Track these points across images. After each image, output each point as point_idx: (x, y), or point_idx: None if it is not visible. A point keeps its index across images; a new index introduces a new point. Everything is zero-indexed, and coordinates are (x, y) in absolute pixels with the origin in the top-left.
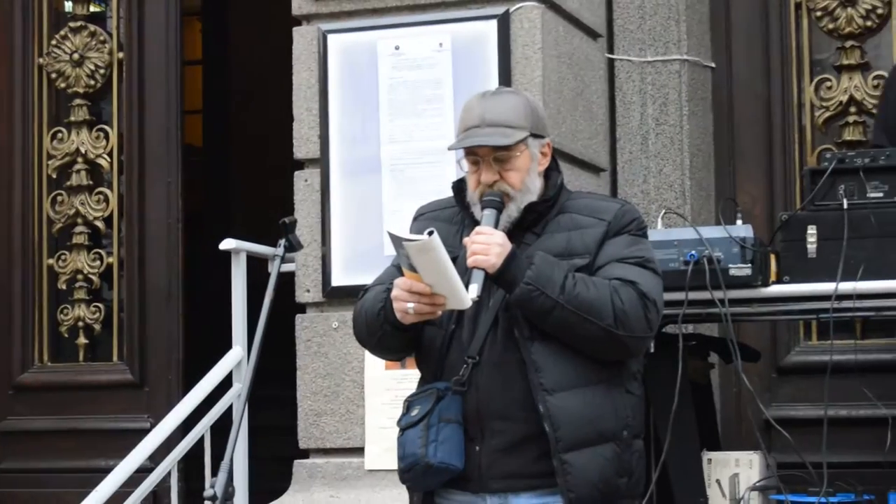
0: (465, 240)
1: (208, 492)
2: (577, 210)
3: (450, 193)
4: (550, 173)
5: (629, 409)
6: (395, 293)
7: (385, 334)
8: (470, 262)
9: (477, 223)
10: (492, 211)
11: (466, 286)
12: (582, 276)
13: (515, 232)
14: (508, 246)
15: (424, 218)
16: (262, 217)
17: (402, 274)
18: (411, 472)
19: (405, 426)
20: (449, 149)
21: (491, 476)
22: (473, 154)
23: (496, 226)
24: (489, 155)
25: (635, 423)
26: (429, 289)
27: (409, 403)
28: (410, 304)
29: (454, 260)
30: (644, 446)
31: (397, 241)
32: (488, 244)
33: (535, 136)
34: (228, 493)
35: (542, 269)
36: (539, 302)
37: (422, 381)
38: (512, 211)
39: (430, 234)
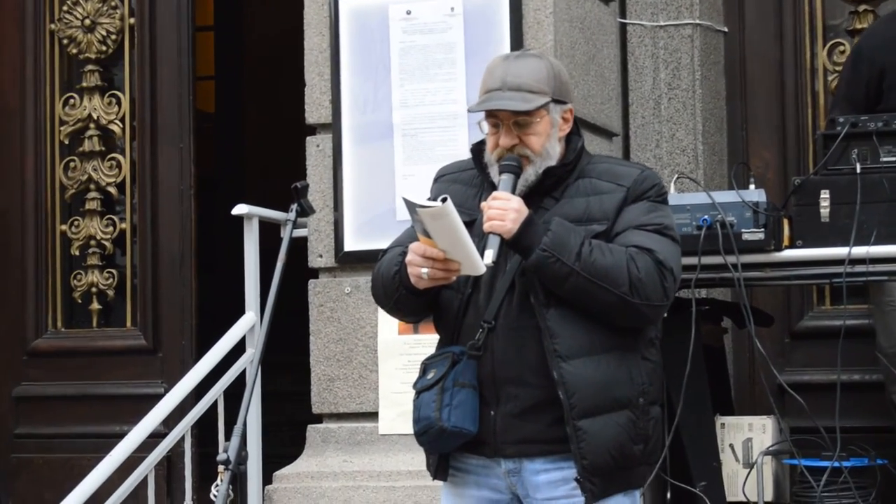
0: (482, 204)
1: (221, 456)
2: (596, 175)
3: (468, 156)
4: (571, 137)
5: (645, 376)
6: (409, 258)
7: (401, 297)
8: (486, 226)
9: (495, 187)
10: (509, 176)
11: (483, 250)
12: (599, 242)
13: (535, 196)
14: (525, 211)
15: (444, 180)
16: (274, 183)
17: None
18: (426, 435)
19: (420, 389)
20: (469, 111)
21: (505, 441)
22: (493, 116)
23: (513, 191)
24: (509, 119)
25: (652, 389)
26: (443, 254)
27: (426, 366)
28: (424, 270)
29: (472, 223)
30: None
31: (411, 206)
32: (505, 209)
33: (557, 101)
34: (241, 457)
35: (558, 235)
36: (555, 268)
37: (440, 344)
38: (529, 174)
39: (444, 200)
